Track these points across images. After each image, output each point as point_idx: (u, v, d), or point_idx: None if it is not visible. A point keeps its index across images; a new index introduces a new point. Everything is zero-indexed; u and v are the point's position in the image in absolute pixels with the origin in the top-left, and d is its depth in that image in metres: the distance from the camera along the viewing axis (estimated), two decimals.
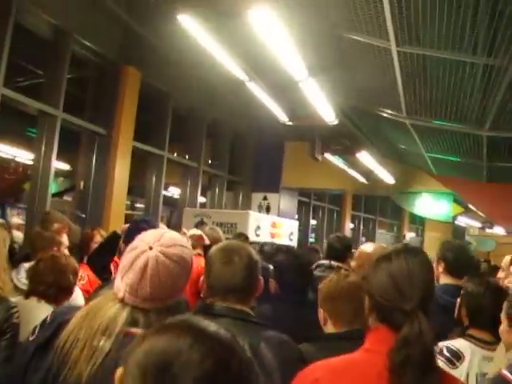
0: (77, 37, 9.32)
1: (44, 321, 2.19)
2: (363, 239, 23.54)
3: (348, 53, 7.08)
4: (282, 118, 10.88)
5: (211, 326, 1.23)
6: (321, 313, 3.17)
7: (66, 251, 5.15)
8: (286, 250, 4.78)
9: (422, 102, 7.92)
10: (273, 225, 12.11)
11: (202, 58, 8.46)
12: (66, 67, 9.26)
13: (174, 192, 16.91)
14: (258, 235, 11.25)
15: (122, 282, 2.05)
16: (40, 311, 3.50)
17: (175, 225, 12.59)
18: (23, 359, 2.10)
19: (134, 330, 1.97)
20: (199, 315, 1.42)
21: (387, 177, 15.51)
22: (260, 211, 15.31)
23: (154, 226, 3.75)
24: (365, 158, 13.45)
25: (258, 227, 11.44)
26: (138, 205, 17.89)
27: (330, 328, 3.12)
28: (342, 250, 5.80)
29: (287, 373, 2.13)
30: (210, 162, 15.14)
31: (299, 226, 14.31)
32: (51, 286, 3.79)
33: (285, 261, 4.28)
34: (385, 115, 9.16)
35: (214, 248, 2.80)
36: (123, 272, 2.06)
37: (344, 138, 12.70)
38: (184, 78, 11.06)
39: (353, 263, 5.30)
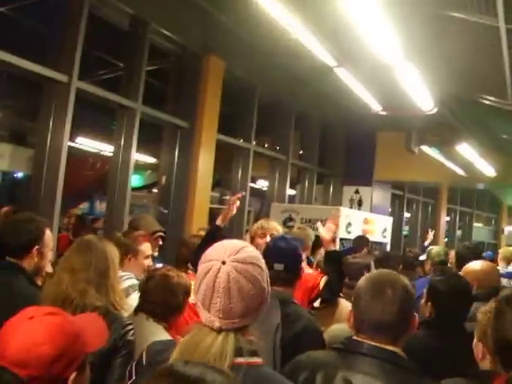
0: (155, 26, 8.92)
1: (139, 361, 2.21)
2: (459, 233, 22.77)
3: (448, 33, 6.32)
4: (375, 107, 10.16)
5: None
6: (479, 346, 2.68)
7: (149, 261, 4.88)
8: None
9: None
10: (365, 221, 11.46)
11: (287, 44, 7.92)
12: (144, 58, 8.90)
13: (264, 185, 16.50)
14: (349, 232, 10.65)
15: (210, 314, 2.00)
16: (148, 329, 3.59)
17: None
18: None
19: (240, 360, 1.96)
20: (345, 353, 1.92)
21: (488, 169, 14.56)
22: (351, 205, 14.74)
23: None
24: (464, 149, 12.58)
25: (350, 224, 10.82)
26: (227, 197, 17.57)
27: (486, 364, 2.64)
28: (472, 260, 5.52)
29: None
30: (299, 154, 14.63)
31: (392, 219, 13.56)
32: (160, 305, 3.77)
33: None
34: (487, 102, 8.40)
35: (363, 278, 2.60)
36: (206, 302, 2.00)
37: (442, 128, 11.88)
38: (269, 66, 10.49)
39: None
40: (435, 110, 9.66)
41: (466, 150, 12.65)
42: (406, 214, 19.61)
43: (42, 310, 1.99)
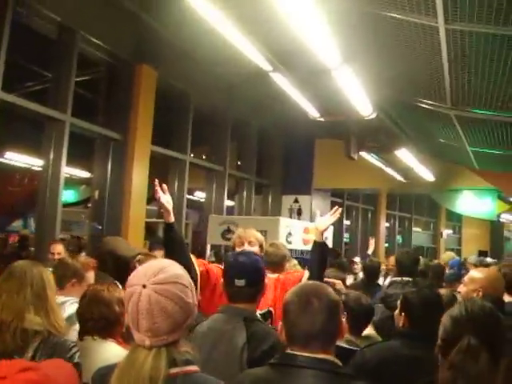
0: (83, 34, 8.57)
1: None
2: (399, 238, 22.87)
3: (387, 34, 6.10)
4: (313, 113, 9.93)
5: None
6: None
7: None
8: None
9: (469, 90, 7.06)
10: (305, 230, 11.21)
11: (222, 51, 7.68)
12: (73, 68, 8.56)
13: (202, 196, 16.19)
14: (289, 242, 10.38)
15: (139, 333, 2.09)
16: (100, 349, 3.50)
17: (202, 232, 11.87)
18: None
19: (175, 370, 2.06)
20: (281, 367, 2.19)
21: (426, 174, 14.54)
22: (291, 215, 14.55)
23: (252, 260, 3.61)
24: (403, 155, 12.49)
25: (290, 234, 10.56)
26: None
27: None
28: (411, 266, 6.30)
29: None
30: (237, 164, 14.42)
31: (333, 227, 13.39)
32: (98, 320, 3.63)
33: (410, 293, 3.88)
34: (426, 107, 8.27)
35: (289, 292, 2.62)
36: (134, 323, 2.09)
37: (381, 134, 11.75)
38: (204, 74, 10.23)
39: (463, 288, 4.84)
40: (374, 115, 9.50)
41: (405, 155, 12.56)
42: (346, 222, 19.55)
43: (13, 366, 1.90)
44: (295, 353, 2.46)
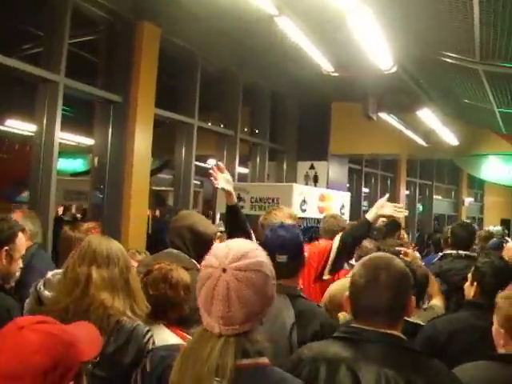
0: None
1: (143, 369, 2.34)
2: (419, 206, 22.31)
3: None
4: (326, 67, 9.13)
5: None
6: (500, 333, 2.97)
7: None
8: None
9: (502, 42, 6.34)
10: (321, 198, 10.57)
11: (230, 5, 7.05)
12: (66, 25, 7.93)
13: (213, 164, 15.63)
14: (303, 210, 9.77)
15: (210, 318, 2.00)
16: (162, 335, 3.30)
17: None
18: None
19: (245, 361, 1.97)
20: (347, 342, 2.29)
21: (450, 138, 13.78)
22: (307, 182, 13.90)
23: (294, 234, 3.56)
24: (425, 116, 11.73)
25: (304, 201, 9.92)
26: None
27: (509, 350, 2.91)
28: (467, 239, 6.16)
29: None
30: (249, 129, 13.74)
31: (350, 195, 12.75)
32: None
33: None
34: (451, 61, 7.57)
35: (358, 263, 2.56)
36: (207, 307, 2.00)
37: (401, 93, 11.00)
38: (212, 33, 9.50)
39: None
40: (394, 70, 8.73)
41: (427, 116, 11.81)
42: (365, 189, 18.96)
43: (31, 319, 1.92)
44: (362, 327, 2.40)
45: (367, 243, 5.61)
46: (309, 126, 13.96)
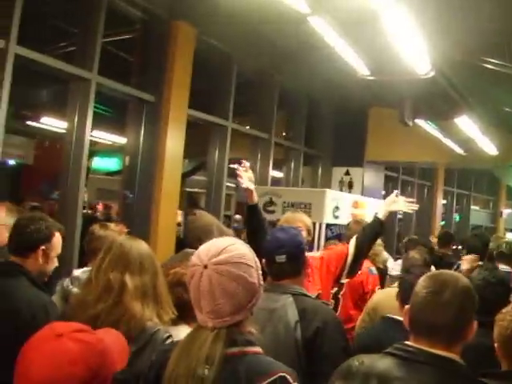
0: None
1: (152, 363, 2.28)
2: (456, 217, 21.93)
3: None
4: (362, 70, 8.94)
5: None
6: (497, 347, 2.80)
7: None
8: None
9: None
10: (354, 205, 10.39)
11: (268, 8, 7.00)
12: (100, 22, 7.85)
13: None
14: (336, 217, 9.60)
15: (201, 315, 2.10)
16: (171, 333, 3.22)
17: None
18: None
19: (234, 349, 2.06)
20: (399, 359, 2.21)
21: (489, 147, 13.45)
22: (341, 188, 13.73)
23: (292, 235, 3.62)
24: (465, 123, 11.44)
25: (337, 208, 9.75)
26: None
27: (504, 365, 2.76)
28: (482, 249, 6.34)
29: None
30: (284, 134, 13.70)
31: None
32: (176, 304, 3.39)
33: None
34: (493, 67, 7.36)
35: (424, 276, 2.46)
36: (197, 305, 2.11)
37: (438, 99, 10.77)
38: (247, 34, 9.37)
39: None
40: (431, 75, 8.52)
41: (466, 123, 11.51)
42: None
43: (69, 326, 1.92)
44: (417, 346, 2.30)
45: (415, 254, 5.56)
46: (345, 132, 13.76)
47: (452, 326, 2.30)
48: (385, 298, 5.02)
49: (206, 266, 2.06)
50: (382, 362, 2.35)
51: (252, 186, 4.33)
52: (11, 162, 17.19)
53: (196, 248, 4.10)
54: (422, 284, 2.39)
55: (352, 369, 2.40)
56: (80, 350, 1.77)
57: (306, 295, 3.53)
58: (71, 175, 7.70)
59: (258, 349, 2.13)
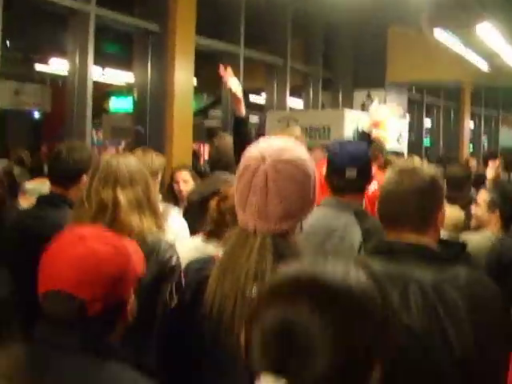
0: None
1: (178, 282, 2.23)
2: (485, 139, 21.34)
3: None
4: None
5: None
6: None
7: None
8: None
9: None
10: (375, 125, 9.97)
11: None
12: None
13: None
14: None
15: (245, 214, 1.96)
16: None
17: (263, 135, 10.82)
18: (166, 329, 2.26)
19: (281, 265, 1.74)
20: (376, 255, 2.08)
21: None
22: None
23: None
24: (487, 33, 10.78)
25: (358, 130, 9.36)
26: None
27: None
28: None
29: (478, 316, 1.93)
30: (301, 59, 12.98)
31: (410, 127, 12.05)
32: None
33: None
34: None
35: (389, 170, 2.40)
36: (243, 201, 1.96)
37: (458, 7, 10.22)
38: None
39: None
40: None
41: (488, 33, 10.86)
42: (427, 122, 18.14)
43: (90, 229, 1.96)
44: (390, 240, 2.21)
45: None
46: (364, 53, 13.25)
47: (414, 213, 2.19)
48: None
49: (264, 161, 1.91)
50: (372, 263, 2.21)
51: (240, 94, 3.90)
52: (35, 113, 17.18)
53: (233, 171, 4.20)
54: (387, 177, 2.33)
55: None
56: (107, 250, 1.77)
57: (367, 214, 3.41)
58: (76, 115, 7.52)
59: None
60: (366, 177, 3.39)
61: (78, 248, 1.76)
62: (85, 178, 3.40)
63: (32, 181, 5.28)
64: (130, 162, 3.11)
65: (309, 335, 1.12)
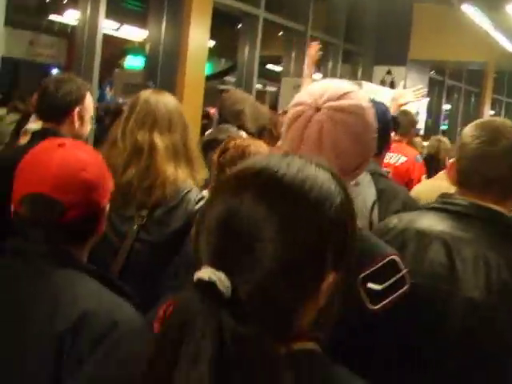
0: None
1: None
2: None
3: None
4: None
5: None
6: None
7: None
8: None
9: None
10: (393, 100, 9.65)
11: None
12: None
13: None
14: None
15: None
16: None
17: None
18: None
19: None
20: (442, 212, 2.01)
21: None
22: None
23: None
24: None
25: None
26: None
27: None
28: None
29: None
30: (323, 30, 12.64)
31: (429, 108, 11.71)
32: None
33: None
34: None
35: (471, 125, 2.16)
36: (294, 152, 1.67)
37: None
38: None
39: None
40: None
41: None
42: (446, 106, 17.82)
43: (67, 139, 2.13)
44: (467, 199, 2.07)
45: None
46: (387, 27, 12.81)
47: (507, 178, 2.07)
48: (428, 189, 4.65)
49: (318, 109, 1.70)
50: (423, 217, 2.15)
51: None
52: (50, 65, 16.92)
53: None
54: (471, 134, 2.12)
55: (389, 225, 2.19)
56: (87, 157, 1.79)
57: (384, 175, 3.36)
58: (84, 68, 7.29)
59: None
60: (384, 137, 3.19)
61: (59, 153, 1.77)
62: (76, 112, 3.35)
63: (30, 123, 5.17)
64: (169, 101, 2.99)
65: (251, 223, 1.07)
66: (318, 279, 1.12)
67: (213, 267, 1.05)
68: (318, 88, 1.79)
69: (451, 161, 2.23)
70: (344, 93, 1.75)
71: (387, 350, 1.71)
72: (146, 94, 3.00)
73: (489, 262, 1.96)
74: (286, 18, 11.22)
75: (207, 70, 14.61)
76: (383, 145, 3.30)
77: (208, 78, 13.26)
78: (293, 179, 1.12)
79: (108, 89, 15.78)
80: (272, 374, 1.02)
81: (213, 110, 12.28)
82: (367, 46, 13.36)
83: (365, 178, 3.02)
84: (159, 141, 2.84)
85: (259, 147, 3.16)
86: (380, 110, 3.14)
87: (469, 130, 2.17)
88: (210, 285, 1.03)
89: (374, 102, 3.21)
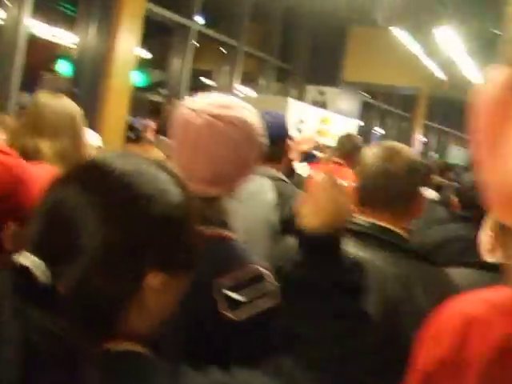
0: None
1: None
2: (434, 155, 21.15)
3: None
4: None
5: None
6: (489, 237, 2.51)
7: None
8: None
9: None
10: (323, 120, 9.68)
11: None
12: None
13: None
14: (299, 130, 8.87)
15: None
16: None
17: None
18: None
19: (208, 231, 1.64)
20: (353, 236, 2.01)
21: (473, 72, 12.67)
22: None
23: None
24: (444, 36, 10.55)
25: (301, 121, 9.04)
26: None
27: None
28: None
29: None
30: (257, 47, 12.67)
31: (360, 130, 11.79)
32: None
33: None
34: None
35: (368, 148, 2.36)
36: (174, 152, 1.81)
37: (417, 10, 10.01)
38: None
39: None
40: None
41: (447, 37, 10.55)
42: (378, 128, 18.03)
43: None
44: (366, 219, 2.15)
45: None
46: (322, 48, 13.00)
47: (409, 193, 2.17)
48: None
49: (198, 115, 1.69)
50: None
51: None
52: None
53: None
54: (371, 153, 2.23)
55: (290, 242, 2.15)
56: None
57: (283, 180, 3.43)
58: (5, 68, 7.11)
59: (234, 234, 1.76)
60: (278, 145, 3.28)
61: None
62: None
63: None
64: (60, 105, 2.84)
65: (74, 214, 1.08)
66: (137, 276, 1.10)
67: (35, 255, 1.04)
68: (203, 96, 1.80)
69: (353, 184, 2.27)
70: (230, 104, 1.75)
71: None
72: (38, 98, 2.89)
73: (386, 279, 2.00)
74: (220, 31, 11.19)
75: (142, 81, 14.49)
76: (280, 153, 3.39)
77: (142, 90, 13.12)
78: (122, 174, 1.12)
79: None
80: (74, 373, 1.00)
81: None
82: (301, 65, 13.41)
83: (265, 182, 3.21)
84: (44, 146, 2.73)
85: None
86: (275, 120, 3.31)
87: (369, 151, 2.24)
88: (25, 271, 1.01)
89: (270, 113, 3.31)
